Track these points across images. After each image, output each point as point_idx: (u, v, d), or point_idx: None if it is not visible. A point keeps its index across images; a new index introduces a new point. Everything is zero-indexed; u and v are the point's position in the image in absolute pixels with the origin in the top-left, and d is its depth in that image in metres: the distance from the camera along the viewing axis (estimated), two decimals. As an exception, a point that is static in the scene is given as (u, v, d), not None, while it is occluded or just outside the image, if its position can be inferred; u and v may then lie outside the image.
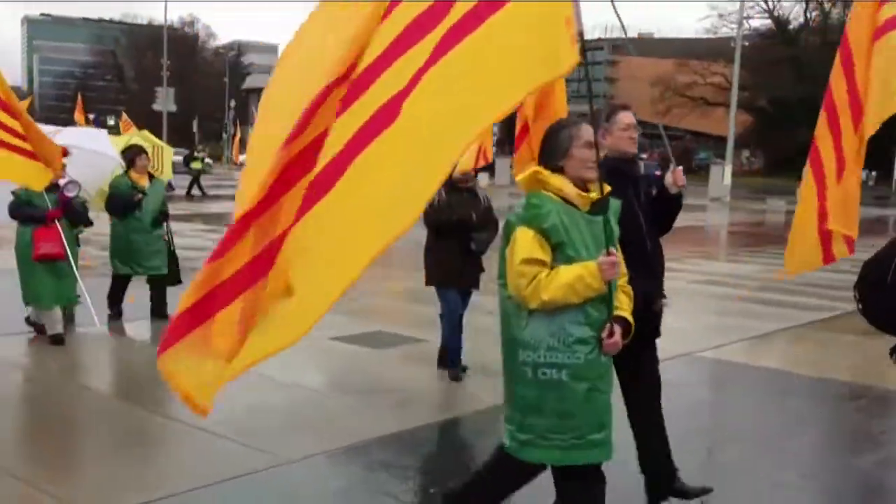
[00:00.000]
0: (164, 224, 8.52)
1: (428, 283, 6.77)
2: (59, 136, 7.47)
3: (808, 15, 61.95)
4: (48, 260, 7.19)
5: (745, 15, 49.19)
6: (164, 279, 8.41)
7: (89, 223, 7.92)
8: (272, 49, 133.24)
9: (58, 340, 7.24)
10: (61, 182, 7.16)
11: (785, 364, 7.75)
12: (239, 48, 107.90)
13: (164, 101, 52.42)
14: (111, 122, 45.21)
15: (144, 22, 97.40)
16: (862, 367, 7.63)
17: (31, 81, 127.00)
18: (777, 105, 62.26)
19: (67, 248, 7.29)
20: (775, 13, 62.89)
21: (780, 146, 60.89)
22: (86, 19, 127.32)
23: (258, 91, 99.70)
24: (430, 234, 6.66)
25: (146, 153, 8.61)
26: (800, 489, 4.81)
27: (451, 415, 5.80)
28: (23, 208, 7.24)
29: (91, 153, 7.73)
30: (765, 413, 6.37)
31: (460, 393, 6.29)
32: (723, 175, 38.19)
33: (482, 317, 9.40)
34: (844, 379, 7.15)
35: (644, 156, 72.94)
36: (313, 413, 5.80)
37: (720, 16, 60.62)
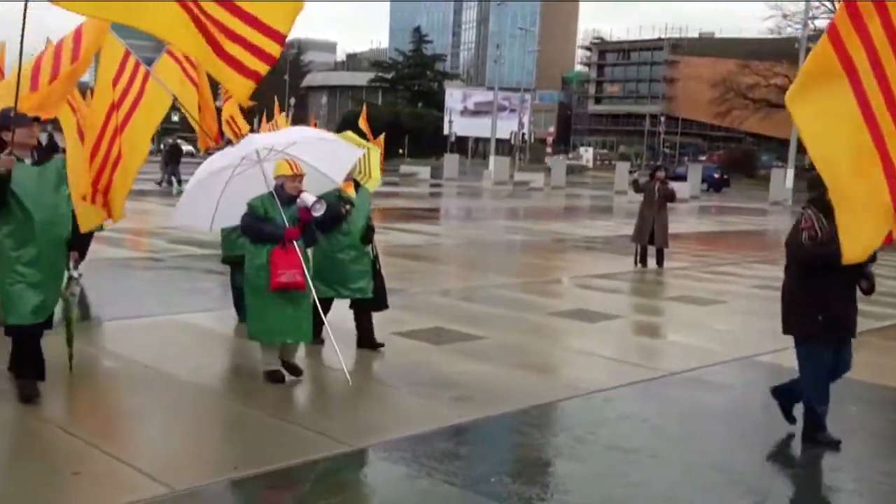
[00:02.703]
0: (372, 240, 7.38)
1: (795, 331, 5.51)
2: (296, 147, 6.53)
3: (876, 15, 60.31)
4: (286, 290, 6.10)
5: (810, 15, 48.23)
6: (369, 303, 7.33)
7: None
8: (331, 47, 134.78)
9: (277, 378, 6.25)
10: (305, 198, 6.13)
11: (843, 370, 7.73)
12: (299, 46, 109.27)
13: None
14: (174, 118, 45.88)
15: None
16: (922, 375, 7.60)
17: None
18: (842, 107, 60.68)
19: (308, 274, 6.22)
20: (841, 13, 61.36)
21: (844, 150, 59.47)
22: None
23: (317, 89, 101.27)
24: (802, 271, 5.39)
25: None
26: (856, 493, 4.89)
27: (509, 409, 5.98)
28: (261, 225, 6.13)
29: (313, 171, 6.55)
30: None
31: (517, 388, 6.47)
32: (784, 178, 37.58)
33: (541, 317, 9.59)
34: (903, 386, 7.13)
35: (703, 157, 72.11)
36: (378, 404, 6.05)
37: (784, 16, 59.45)
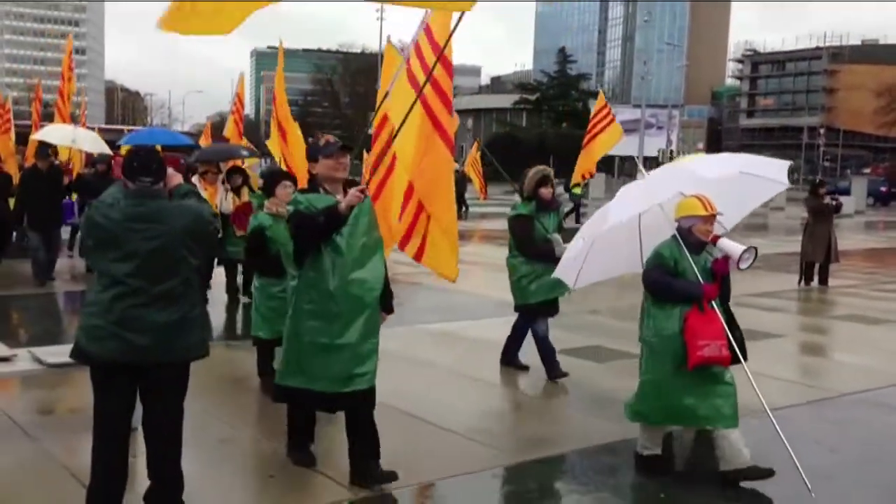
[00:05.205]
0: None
1: None
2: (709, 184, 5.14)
3: None
4: (706, 366, 4.83)
5: None
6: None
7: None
8: (475, 71, 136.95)
9: (655, 467, 5.10)
10: (727, 245, 5.00)
11: None
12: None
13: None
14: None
15: (358, 51, 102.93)
16: None
17: (258, 110, 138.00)
18: None
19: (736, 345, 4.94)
20: None
21: None
22: (307, 50, 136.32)
23: (462, 112, 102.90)
24: None
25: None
26: None
27: (676, 427, 5.97)
28: (673, 281, 4.95)
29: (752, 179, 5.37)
30: None
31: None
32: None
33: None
34: None
35: (867, 170, 68.06)
36: (543, 418, 6.20)
37: (958, 17, 55.42)
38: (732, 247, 4.95)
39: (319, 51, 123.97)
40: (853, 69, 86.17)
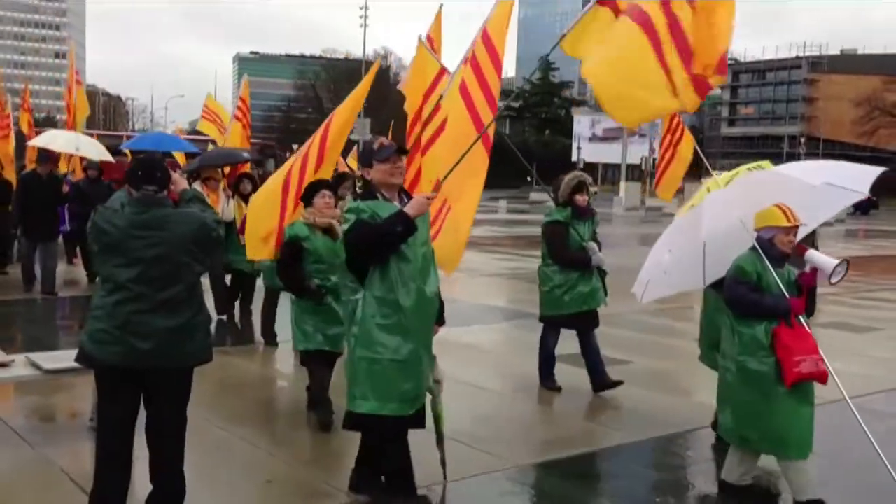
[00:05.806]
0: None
1: None
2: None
3: None
4: (802, 383, 4.64)
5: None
6: None
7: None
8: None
9: (749, 495, 4.92)
10: (817, 257, 4.78)
11: None
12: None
13: (361, 130, 55.22)
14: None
15: (342, 57, 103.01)
16: None
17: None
18: None
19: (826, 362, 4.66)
20: None
21: None
22: (289, 56, 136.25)
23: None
24: None
25: None
26: None
27: (662, 432, 6.07)
28: (757, 296, 4.66)
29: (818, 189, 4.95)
30: None
31: (675, 413, 6.54)
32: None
33: (685, 342, 9.56)
34: None
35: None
36: (536, 423, 6.28)
37: (935, 28, 56.30)
38: (824, 260, 4.71)
39: (302, 56, 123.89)
40: (832, 79, 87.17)
